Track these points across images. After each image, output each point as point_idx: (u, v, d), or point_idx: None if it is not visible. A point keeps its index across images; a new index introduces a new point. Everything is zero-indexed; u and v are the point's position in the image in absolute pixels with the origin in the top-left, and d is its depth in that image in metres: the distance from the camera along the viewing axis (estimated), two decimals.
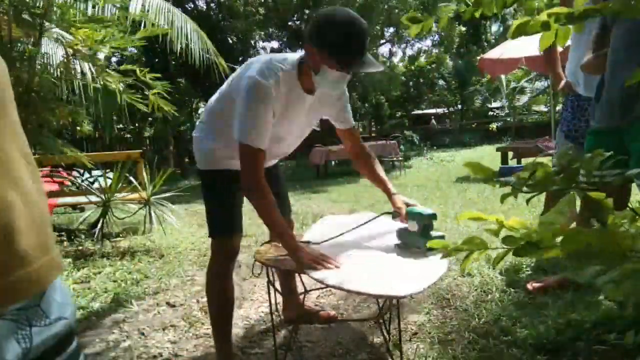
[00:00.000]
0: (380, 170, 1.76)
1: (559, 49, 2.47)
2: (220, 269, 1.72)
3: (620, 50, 1.67)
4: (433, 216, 1.49)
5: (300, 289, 2.02)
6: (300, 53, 1.58)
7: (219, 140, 1.66)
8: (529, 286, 2.19)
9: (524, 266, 2.53)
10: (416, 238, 1.48)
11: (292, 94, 1.56)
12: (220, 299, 1.71)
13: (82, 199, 4.37)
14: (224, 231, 1.70)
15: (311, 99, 1.62)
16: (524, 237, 0.63)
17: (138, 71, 3.61)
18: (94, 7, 3.46)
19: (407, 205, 1.60)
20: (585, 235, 0.58)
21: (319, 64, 1.45)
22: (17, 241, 0.41)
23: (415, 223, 1.49)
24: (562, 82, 2.39)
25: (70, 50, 3.30)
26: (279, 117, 1.56)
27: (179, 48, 3.98)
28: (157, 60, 12.64)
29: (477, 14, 0.79)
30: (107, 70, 3.55)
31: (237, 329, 2.04)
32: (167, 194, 4.40)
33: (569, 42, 2.77)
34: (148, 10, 3.74)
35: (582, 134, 2.38)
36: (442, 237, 1.45)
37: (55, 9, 3.26)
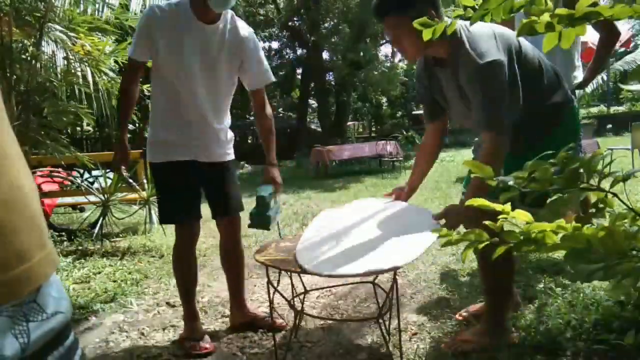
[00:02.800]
0: (272, 139, 1.94)
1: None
2: (180, 251, 1.92)
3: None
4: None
5: (300, 289, 2.03)
6: None
7: (155, 127, 1.86)
8: (458, 316, 1.98)
9: (524, 266, 2.53)
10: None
11: (186, 24, 1.70)
12: (180, 273, 1.94)
13: (82, 199, 4.36)
14: (173, 219, 1.89)
15: (214, 35, 1.74)
16: (524, 232, 0.63)
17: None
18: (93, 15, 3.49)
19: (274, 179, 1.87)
20: (585, 234, 0.58)
21: None
22: (14, 239, 0.42)
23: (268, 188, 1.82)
24: None
25: (73, 54, 3.31)
26: (173, 53, 1.71)
27: None
28: None
29: (486, 19, 0.79)
30: (110, 75, 3.57)
31: (238, 329, 2.04)
32: None
33: None
34: None
35: None
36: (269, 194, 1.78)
37: (60, 13, 3.27)
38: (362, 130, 25.02)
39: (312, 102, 18.97)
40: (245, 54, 1.84)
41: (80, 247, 3.76)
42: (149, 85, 3.94)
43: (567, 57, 2.42)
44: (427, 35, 0.87)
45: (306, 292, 2.02)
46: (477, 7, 0.79)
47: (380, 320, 1.65)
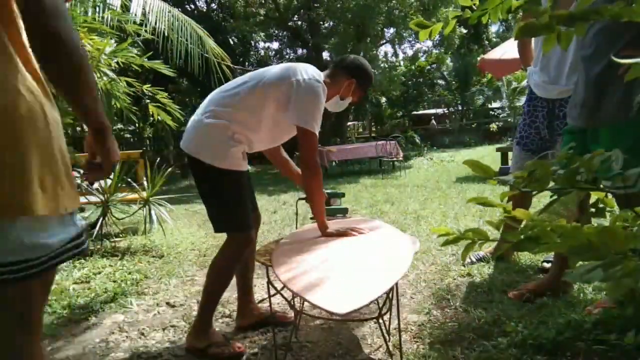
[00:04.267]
0: (291, 162, 2.16)
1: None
2: (239, 258, 1.84)
3: (588, 50, 1.66)
4: (341, 194, 2.30)
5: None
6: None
7: (244, 140, 1.79)
8: (510, 295, 2.15)
9: (524, 266, 2.53)
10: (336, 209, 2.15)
11: None
12: (226, 282, 1.83)
13: (82, 199, 4.36)
14: (248, 227, 1.82)
15: None
16: (524, 231, 0.63)
17: (137, 85, 3.66)
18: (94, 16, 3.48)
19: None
20: (585, 233, 0.58)
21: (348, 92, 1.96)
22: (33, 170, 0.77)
23: (337, 199, 2.24)
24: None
25: None
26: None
27: (179, 51, 4.02)
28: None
29: (484, 19, 0.78)
30: (111, 75, 3.56)
31: (237, 329, 2.04)
32: (168, 196, 4.40)
33: None
34: (149, 13, 3.76)
35: (531, 141, 2.41)
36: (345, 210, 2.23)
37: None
38: (362, 130, 25.01)
39: None
40: None
41: None
42: (149, 85, 3.97)
43: (562, 57, 2.43)
44: (423, 36, 0.88)
45: None
46: (475, 7, 0.79)
47: (380, 320, 1.65)
